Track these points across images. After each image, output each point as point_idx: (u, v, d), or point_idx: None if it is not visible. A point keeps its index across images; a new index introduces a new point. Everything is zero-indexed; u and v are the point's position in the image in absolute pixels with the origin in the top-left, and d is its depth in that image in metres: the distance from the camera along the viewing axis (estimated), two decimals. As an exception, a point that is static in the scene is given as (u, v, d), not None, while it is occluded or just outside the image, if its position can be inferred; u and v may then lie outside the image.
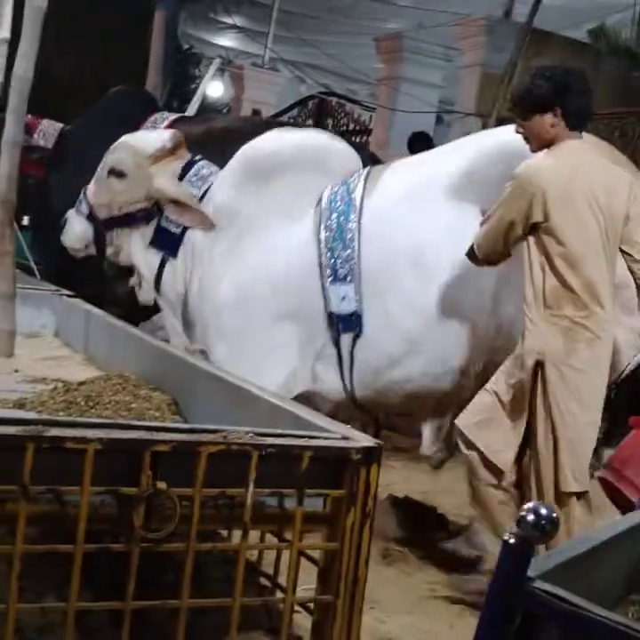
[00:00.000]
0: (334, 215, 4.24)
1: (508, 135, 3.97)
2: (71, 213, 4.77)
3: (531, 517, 1.38)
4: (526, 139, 3.78)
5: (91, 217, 4.68)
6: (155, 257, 4.67)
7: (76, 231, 4.71)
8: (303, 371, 4.29)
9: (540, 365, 3.60)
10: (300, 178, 4.39)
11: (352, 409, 4.41)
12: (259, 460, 2.29)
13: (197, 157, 4.78)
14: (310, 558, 2.61)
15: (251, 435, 2.34)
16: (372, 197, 4.25)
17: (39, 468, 2.12)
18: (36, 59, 4.26)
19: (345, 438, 2.49)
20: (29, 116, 4.97)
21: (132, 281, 4.83)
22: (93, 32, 16.59)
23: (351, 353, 4.20)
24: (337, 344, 4.22)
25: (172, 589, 2.42)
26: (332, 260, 4.18)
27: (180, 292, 4.62)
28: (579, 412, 3.62)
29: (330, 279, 4.18)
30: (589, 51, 10.86)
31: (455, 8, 11.37)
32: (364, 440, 2.50)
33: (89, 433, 2.18)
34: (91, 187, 4.71)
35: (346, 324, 4.18)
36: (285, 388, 4.23)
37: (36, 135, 5.56)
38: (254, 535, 2.67)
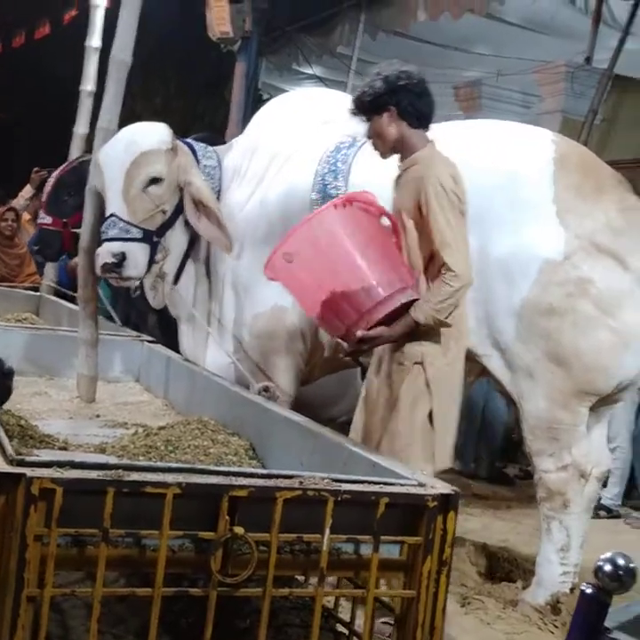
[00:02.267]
0: (334, 154, 4.48)
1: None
2: (121, 246, 4.35)
3: (608, 568, 1.36)
4: (375, 145, 3.79)
5: (145, 237, 4.44)
6: (184, 236, 4.64)
7: (141, 258, 4.41)
8: None
9: (419, 365, 3.62)
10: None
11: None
12: (335, 506, 2.30)
13: (192, 142, 4.78)
14: (387, 605, 2.60)
15: (327, 480, 2.35)
16: (367, 146, 4.37)
17: (119, 512, 2.16)
18: (119, 111, 4.37)
19: (421, 485, 2.48)
20: None
21: (148, 282, 4.70)
22: (178, 85, 17.00)
23: None
24: None
25: (249, 635, 2.43)
26: (323, 189, 4.40)
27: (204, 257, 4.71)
28: (451, 404, 3.69)
29: (318, 206, 4.31)
30: (673, 96, 10.75)
31: (534, 55, 11.35)
32: (440, 487, 2.49)
33: (168, 477, 2.22)
34: (122, 209, 4.38)
35: None
36: (294, 310, 4.39)
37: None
38: (331, 581, 2.68)
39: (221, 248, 4.52)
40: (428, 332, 3.64)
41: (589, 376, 4.09)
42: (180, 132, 5.02)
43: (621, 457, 6.77)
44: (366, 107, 3.73)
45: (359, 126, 4.69)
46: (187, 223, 4.56)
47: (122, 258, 4.33)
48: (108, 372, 4.87)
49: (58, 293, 7.37)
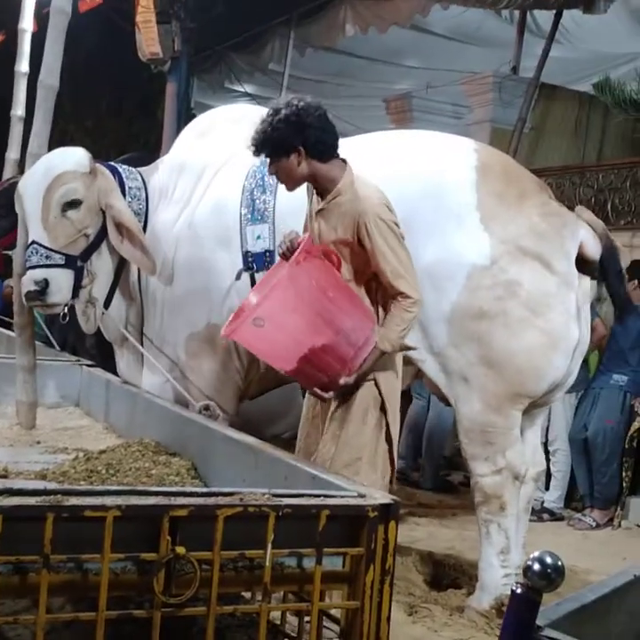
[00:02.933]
0: (260, 169, 4.45)
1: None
2: (43, 273, 4.32)
3: (537, 567, 1.40)
4: (281, 180, 3.77)
5: (68, 262, 4.39)
6: (111, 259, 4.59)
7: (65, 283, 4.37)
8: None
9: (372, 382, 3.67)
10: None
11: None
12: (276, 521, 2.31)
13: (115, 165, 4.76)
14: (332, 617, 2.62)
15: (267, 496, 2.36)
16: None
17: (60, 538, 2.15)
18: (48, 136, 4.35)
19: (361, 496, 2.50)
20: None
21: (79, 308, 4.62)
22: (110, 106, 16.95)
23: None
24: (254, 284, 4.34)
25: (196, 654, 2.43)
26: (251, 203, 4.44)
27: (134, 280, 4.68)
28: (397, 415, 3.76)
29: (247, 221, 4.42)
30: (597, 103, 10.96)
31: (463, 66, 11.52)
32: (380, 497, 2.51)
33: (107, 500, 2.21)
34: (42, 236, 4.35)
35: (259, 262, 4.39)
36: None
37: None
38: (279, 596, 2.69)
39: (145, 270, 4.51)
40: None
41: (521, 377, 4.18)
42: (116, 152, 4.99)
43: (562, 460, 6.88)
44: (271, 150, 3.65)
45: None
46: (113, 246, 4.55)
47: (44, 285, 4.30)
48: (47, 397, 4.83)
49: (-5, 321, 7.30)
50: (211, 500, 2.32)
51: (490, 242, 4.17)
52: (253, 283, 4.31)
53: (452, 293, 4.15)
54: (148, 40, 10.94)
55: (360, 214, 3.59)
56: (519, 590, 1.40)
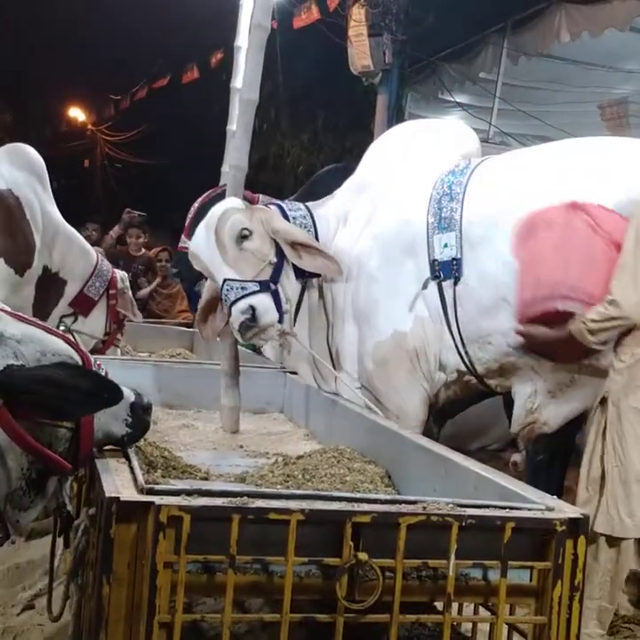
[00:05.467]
0: (448, 177, 4.48)
1: None
2: (246, 301, 4.40)
3: None
4: None
5: (263, 287, 4.45)
6: (296, 284, 4.65)
7: (269, 304, 4.43)
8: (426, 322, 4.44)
9: (604, 403, 3.61)
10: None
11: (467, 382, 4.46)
12: (459, 531, 2.30)
13: (271, 201, 4.84)
14: (521, 631, 2.57)
15: (451, 505, 2.35)
16: (481, 167, 4.50)
17: (245, 539, 2.21)
18: (248, 148, 4.48)
19: (549, 509, 2.45)
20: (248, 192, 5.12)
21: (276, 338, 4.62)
22: (326, 120, 17.29)
23: (454, 302, 4.33)
24: (441, 295, 4.34)
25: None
26: (439, 212, 4.40)
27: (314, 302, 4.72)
28: (634, 453, 3.58)
29: (434, 229, 4.39)
30: None
31: (683, 68, 11.09)
32: (569, 511, 2.45)
33: (291, 504, 2.26)
34: (230, 273, 4.44)
35: (446, 271, 4.34)
36: (413, 335, 4.40)
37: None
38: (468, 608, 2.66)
39: (332, 274, 4.53)
40: (615, 366, 3.68)
41: None
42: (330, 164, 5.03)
43: None
44: None
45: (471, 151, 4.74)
46: (295, 273, 4.61)
47: (251, 311, 4.37)
48: (253, 403, 4.93)
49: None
50: (393, 508, 2.33)
51: None
52: (440, 291, 4.31)
53: None
54: (360, 53, 11.08)
55: None
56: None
